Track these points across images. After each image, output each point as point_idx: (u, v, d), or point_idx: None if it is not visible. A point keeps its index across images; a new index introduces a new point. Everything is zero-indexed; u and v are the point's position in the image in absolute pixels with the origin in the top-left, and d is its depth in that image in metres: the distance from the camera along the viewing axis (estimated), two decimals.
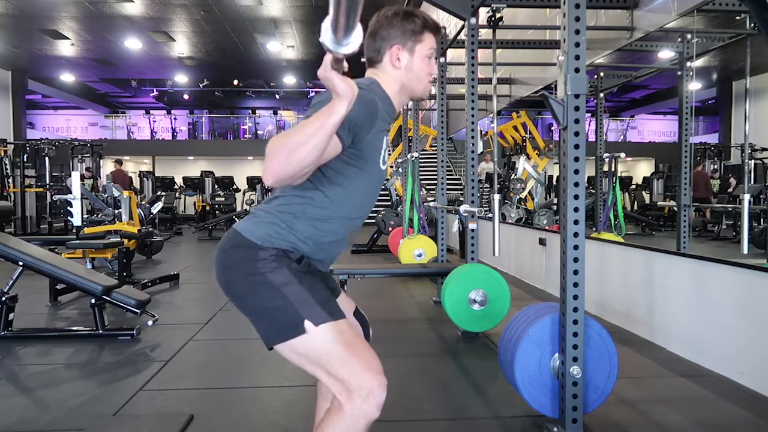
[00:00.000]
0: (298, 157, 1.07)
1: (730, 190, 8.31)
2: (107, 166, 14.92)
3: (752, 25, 3.91)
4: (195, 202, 14.96)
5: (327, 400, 1.62)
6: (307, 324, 1.28)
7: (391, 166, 9.35)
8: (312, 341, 1.29)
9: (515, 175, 8.30)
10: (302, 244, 1.37)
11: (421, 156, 7.29)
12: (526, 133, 9.13)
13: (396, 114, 1.51)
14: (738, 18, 4.15)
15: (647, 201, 10.92)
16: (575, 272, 2.18)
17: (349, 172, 1.35)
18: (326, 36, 0.90)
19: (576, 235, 2.18)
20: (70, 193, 6.01)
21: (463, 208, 3.77)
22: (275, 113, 21.56)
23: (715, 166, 9.12)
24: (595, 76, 6.27)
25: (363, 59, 1.47)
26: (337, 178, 1.35)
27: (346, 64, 1.00)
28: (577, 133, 2.16)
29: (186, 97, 21.46)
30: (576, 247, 2.18)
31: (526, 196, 8.37)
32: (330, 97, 1.06)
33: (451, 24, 7.52)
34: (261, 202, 1.44)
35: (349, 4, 0.81)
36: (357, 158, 1.34)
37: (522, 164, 8.27)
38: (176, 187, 15.69)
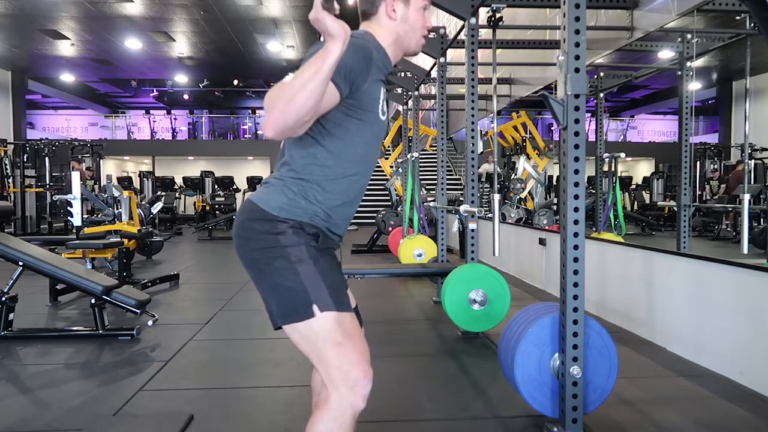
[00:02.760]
0: (297, 103, 1.07)
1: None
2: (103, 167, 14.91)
3: (752, 25, 3.90)
4: (195, 202, 14.96)
5: (318, 395, 1.64)
6: (315, 308, 1.31)
7: (391, 166, 9.36)
8: (314, 325, 1.31)
9: (515, 175, 8.30)
10: (316, 208, 1.37)
11: (421, 156, 7.29)
12: (526, 133, 9.13)
13: (392, 66, 1.50)
14: (738, 18, 4.15)
15: (647, 201, 10.92)
16: (575, 272, 2.18)
17: (350, 124, 1.36)
18: None
19: (576, 235, 2.18)
20: (70, 192, 6.01)
21: (463, 208, 3.77)
22: None
23: (715, 166, 9.12)
24: (595, 76, 6.27)
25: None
26: (337, 130, 1.35)
27: (336, 6, 1.01)
28: (577, 133, 2.16)
29: (186, 97, 21.47)
30: (576, 247, 2.18)
31: (526, 196, 8.37)
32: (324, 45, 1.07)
33: (451, 24, 7.52)
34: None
35: None
36: (356, 108, 1.34)
37: (522, 164, 8.27)
38: (176, 187, 15.69)
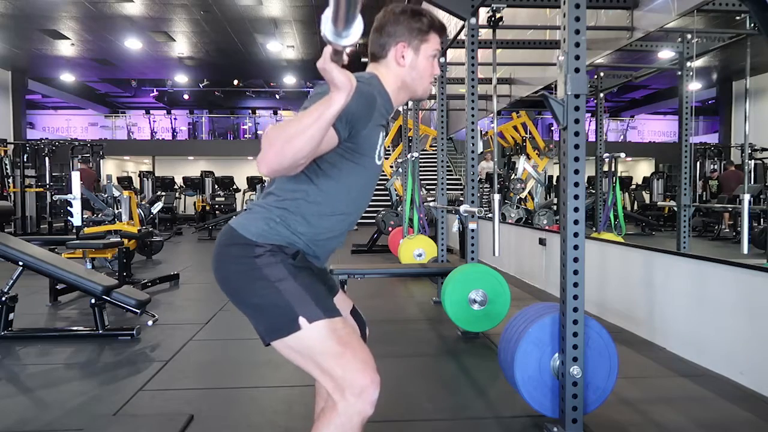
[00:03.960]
0: (294, 147, 1.06)
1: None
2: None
3: (752, 25, 3.90)
4: (195, 202, 14.96)
5: (324, 399, 1.62)
6: (302, 321, 1.28)
7: (391, 166, 9.36)
8: (306, 338, 1.29)
9: (515, 175, 8.30)
10: (296, 238, 1.37)
11: (421, 156, 7.29)
12: (526, 133, 9.13)
13: (394, 111, 1.50)
14: (738, 18, 4.15)
15: (647, 201, 10.91)
16: (575, 272, 2.18)
17: (345, 166, 1.35)
18: (326, 27, 0.89)
19: (576, 235, 2.18)
20: (70, 192, 6.01)
21: (463, 208, 3.77)
22: (275, 113, 21.56)
23: (715, 166, 9.11)
24: (595, 76, 6.27)
25: (364, 59, 1.47)
26: (332, 171, 1.35)
27: (345, 57, 1.00)
28: (577, 133, 2.16)
29: (186, 97, 21.46)
30: (576, 247, 2.18)
31: (526, 196, 8.37)
32: (328, 90, 1.06)
33: (451, 24, 7.52)
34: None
35: None
36: (353, 152, 1.34)
37: (522, 164, 8.27)
38: (176, 187, 15.69)
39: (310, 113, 1.06)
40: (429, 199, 8.56)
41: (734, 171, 8.28)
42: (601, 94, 6.47)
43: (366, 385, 1.25)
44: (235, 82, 20.25)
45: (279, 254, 1.34)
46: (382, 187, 9.60)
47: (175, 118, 21.31)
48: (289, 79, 19.36)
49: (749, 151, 6.91)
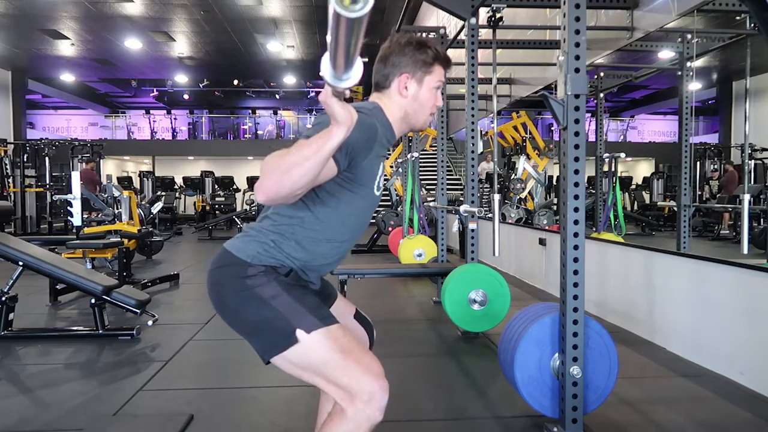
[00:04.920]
0: (292, 178, 1.06)
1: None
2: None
3: (752, 25, 3.90)
4: (195, 202, 14.97)
5: (329, 400, 1.62)
6: (299, 333, 1.27)
7: (391, 166, 9.35)
8: (306, 350, 1.28)
9: (515, 175, 8.30)
10: (290, 262, 1.37)
11: (421, 156, 7.29)
12: (526, 133, 9.12)
13: (395, 140, 1.50)
14: (738, 18, 4.15)
15: (647, 201, 10.91)
16: (575, 272, 2.18)
17: (343, 195, 1.35)
18: (326, 70, 0.88)
19: (576, 235, 2.18)
20: (70, 192, 6.01)
21: (463, 208, 3.77)
22: (275, 113, 21.55)
23: (715, 166, 9.12)
24: (595, 76, 6.26)
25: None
26: (329, 200, 1.35)
27: (347, 92, 1.00)
28: (577, 133, 2.16)
29: (186, 97, 21.47)
30: (576, 247, 2.18)
31: (526, 196, 8.37)
32: (329, 120, 1.05)
33: (451, 24, 7.52)
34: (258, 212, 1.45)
35: (347, 42, 0.79)
36: (351, 182, 1.34)
37: (522, 164, 8.27)
38: (176, 187, 15.70)
39: (309, 145, 1.05)
40: (429, 199, 8.56)
41: (733, 171, 8.29)
42: (601, 94, 6.47)
43: (374, 391, 1.24)
44: (235, 82, 20.25)
45: (272, 274, 1.34)
46: (383, 188, 9.58)
47: (175, 118, 21.31)
48: (289, 79, 19.36)
49: (749, 151, 6.91)
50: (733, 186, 8.02)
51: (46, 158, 11.71)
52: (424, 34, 5.21)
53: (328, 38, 0.79)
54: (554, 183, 9.11)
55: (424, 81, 1.46)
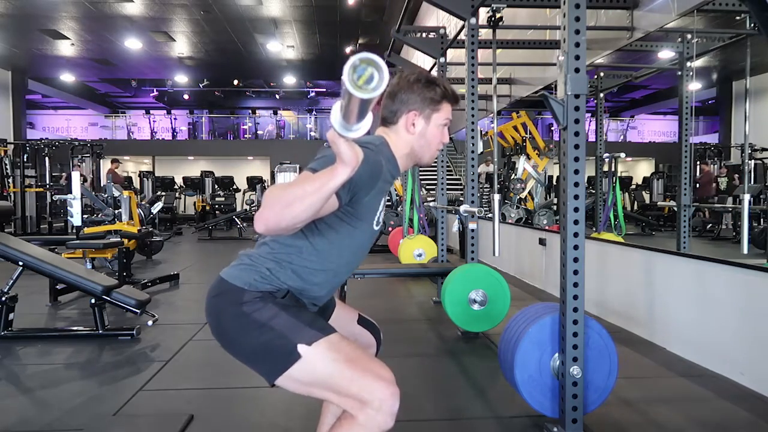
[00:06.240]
0: (294, 212, 1.05)
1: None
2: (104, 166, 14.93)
3: (752, 25, 3.90)
4: (195, 202, 14.97)
5: (331, 412, 1.62)
6: (301, 348, 1.26)
7: None
8: (311, 364, 1.27)
9: (515, 175, 8.30)
10: (286, 288, 1.37)
11: None
12: (526, 133, 9.12)
13: (399, 174, 1.51)
14: (738, 18, 4.14)
15: (647, 201, 10.91)
16: (575, 272, 2.18)
17: (341, 229, 1.36)
18: (335, 119, 0.88)
19: (576, 235, 2.18)
20: (70, 192, 6.00)
21: (463, 208, 3.77)
22: (275, 113, 21.56)
23: (715, 166, 9.12)
24: (595, 76, 6.27)
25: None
26: (328, 232, 1.36)
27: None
28: (577, 133, 2.16)
29: (186, 97, 21.46)
30: (576, 247, 2.18)
31: (526, 196, 8.37)
32: (334, 157, 1.04)
33: (451, 24, 7.52)
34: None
35: (360, 109, 0.80)
36: (352, 216, 1.34)
37: (522, 164, 8.27)
38: (176, 187, 15.70)
39: (312, 181, 1.04)
40: (429, 199, 8.56)
41: (709, 171, 8.30)
42: (601, 94, 6.47)
43: (385, 397, 1.24)
44: (235, 82, 20.25)
45: (268, 298, 1.34)
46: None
47: (175, 118, 21.31)
48: (289, 79, 19.36)
49: (749, 151, 6.91)
50: (710, 186, 8.03)
51: (46, 158, 11.71)
52: (424, 35, 5.21)
53: (343, 92, 0.80)
54: (554, 183, 9.12)
55: (431, 118, 1.46)
